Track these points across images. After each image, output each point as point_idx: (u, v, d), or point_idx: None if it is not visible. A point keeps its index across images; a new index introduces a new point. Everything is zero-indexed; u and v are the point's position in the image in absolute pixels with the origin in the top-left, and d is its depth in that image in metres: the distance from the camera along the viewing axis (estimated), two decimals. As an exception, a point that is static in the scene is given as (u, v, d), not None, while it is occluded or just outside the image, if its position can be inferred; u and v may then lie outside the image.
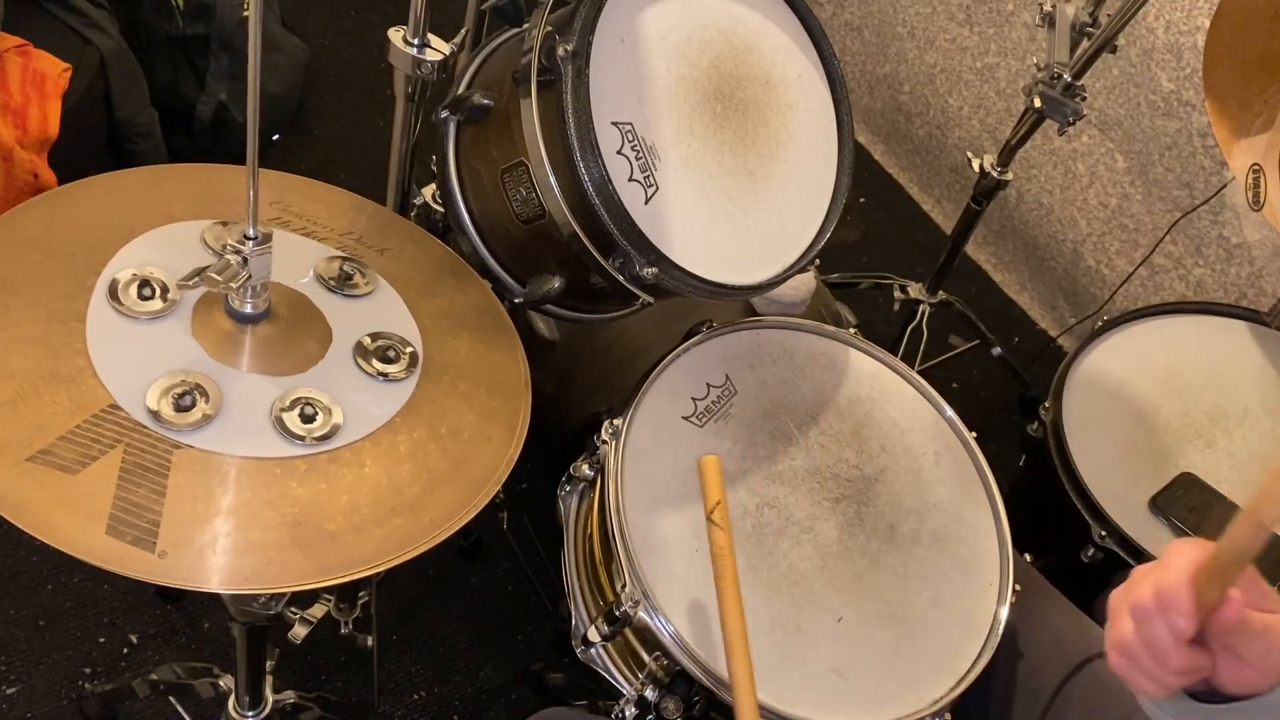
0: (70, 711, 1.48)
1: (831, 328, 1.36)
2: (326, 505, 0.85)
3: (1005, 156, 1.83)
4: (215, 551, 0.79)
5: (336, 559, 0.82)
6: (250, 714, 1.29)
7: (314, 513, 0.84)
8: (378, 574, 0.86)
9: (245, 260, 0.86)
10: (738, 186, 1.18)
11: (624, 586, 1.08)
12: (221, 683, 1.39)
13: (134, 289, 0.91)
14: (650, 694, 1.11)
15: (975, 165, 1.86)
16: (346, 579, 0.82)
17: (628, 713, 1.13)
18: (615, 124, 1.09)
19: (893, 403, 1.32)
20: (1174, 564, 0.72)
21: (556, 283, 1.18)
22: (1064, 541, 1.43)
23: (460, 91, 1.20)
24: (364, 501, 0.86)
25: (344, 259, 1.04)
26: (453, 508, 0.89)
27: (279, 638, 1.50)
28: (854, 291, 2.24)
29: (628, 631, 1.12)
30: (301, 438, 0.87)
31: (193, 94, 2.07)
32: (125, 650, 1.55)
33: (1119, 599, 0.76)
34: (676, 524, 1.13)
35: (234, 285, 0.87)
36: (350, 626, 1.54)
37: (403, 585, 1.71)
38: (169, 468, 0.81)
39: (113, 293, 0.90)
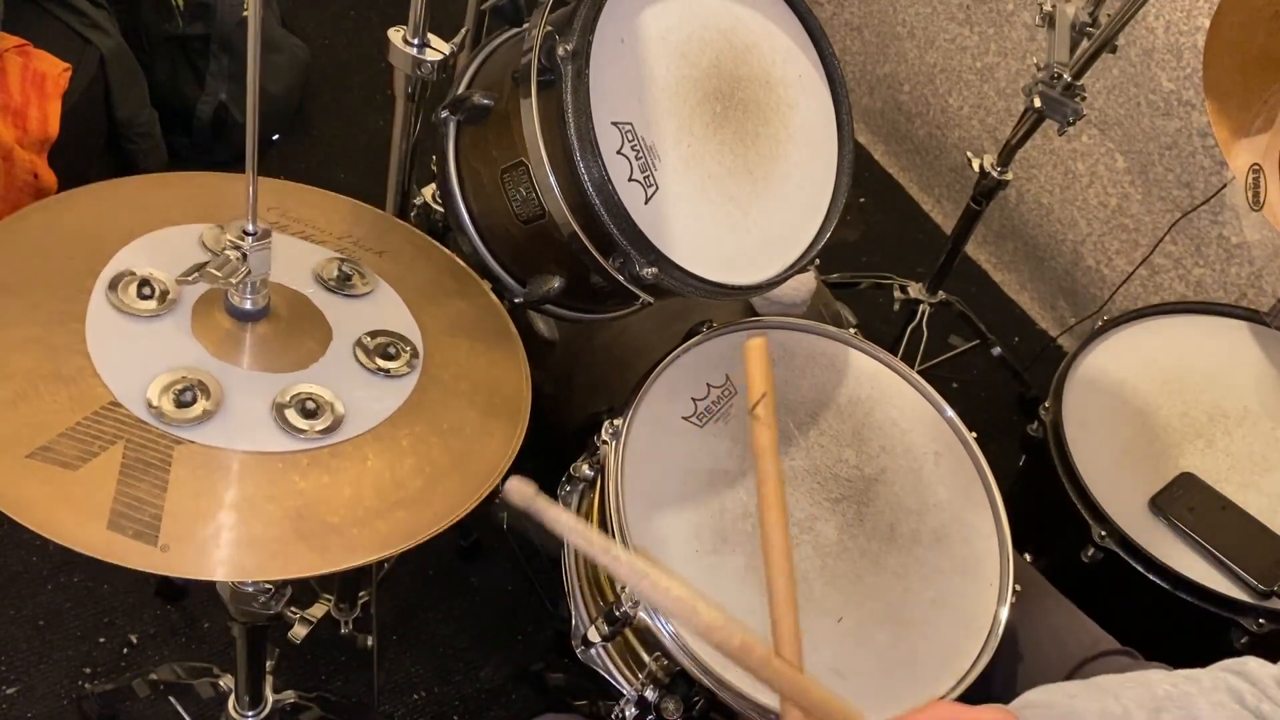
0: (70, 711, 1.48)
1: (831, 328, 1.36)
2: (329, 498, 0.85)
3: (1005, 156, 1.83)
4: (218, 545, 0.79)
5: (340, 550, 0.82)
6: (250, 714, 1.29)
7: (317, 506, 0.84)
8: (380, 569, 0.86)
9: (244, 255, 0.86)
10: (738, 186, 1.18)
11: (624, 587, 1.08)
12: (221, 683, 1.39)
13: (133, 289, 0.91)
14: (650, 694, 1.11)
15: (975, 165, 1.86)
16: (351, 566, 0.82)
17: (628, 713, 1.13)
18: (615, 124, 1.09)
19: (893, 403, 1.32)
20: None
21: (556, 283, 1.18)
22: (1064, 541, 1.43)
23: (460, 91, 1.20)
24: (367, 494, 0.86)
25: (343, 260, 1.05)
26: (455, 501, 0.89)
27: (279, 638, 1.50)
28: (854, 291, 2.24)
29: (628, 632, 1.12)
30: (303, 432, 0.87)
31: (193, 94, 2.07)
32: (125, 650, 1.55)
33: None
34: (676, 524, 1.13)
35: (233, 280, 0.87)
36: (350, 626, 1.54)
37: (403, 585, 1.71)
38: (170, 463, 0.81)
39: (112, 293, 0.90)
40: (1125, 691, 0.81)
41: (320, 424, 0.88)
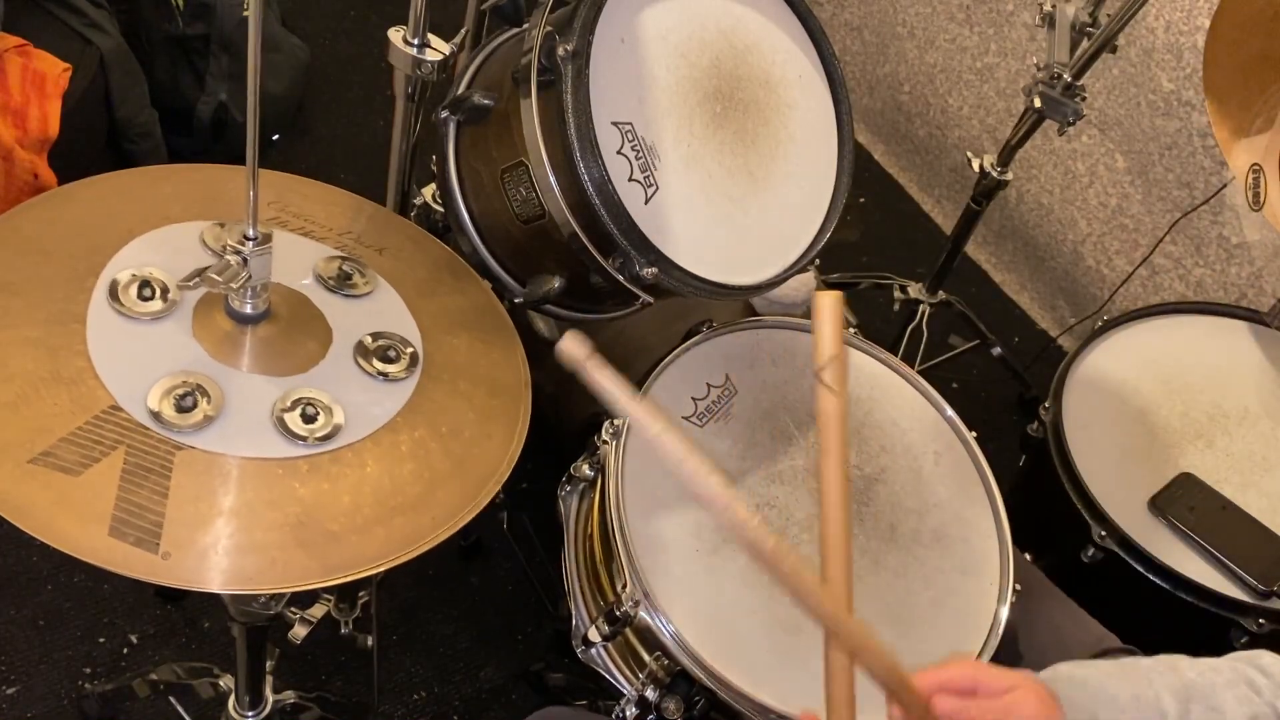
0: (70, 711, 1.48)
1: (831, 328, 1.36)
2: (329, 505, 0.85)
3: (1005, 156, 1.83)
4: (218, 552, 0.79)
5: (339, 559, 0.82)
6: (250, 714, 1.29)
7: (316, 513, 0.84)
8: (379, 574, 0.86)
9: (245, 260, 0.86)
10: (738, 186, 1.18)
11: (624, 586, 1.08)
12: (221, 683, 1.39)
13: (134, 290, 0.91)
14: (651, 694, 1.11)
15: (975, 165, 1.86)
16: (350, 578, 0.82)
17: (628, 713, 1.13)
18: (615, 124, 1.09)
19: (893, 403, 1.32)
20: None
21: (556, 283, 1.18)
22: (1064, 541, 1.43)
23: (460, 91, 1.20)
24: (366, 501, 0.86)
25: (343, 259, 1.04)
26: (454, 506, 0.89)
27: (279, 638, 1.50)
28: (854, 291, 2.24)
29: (628, 631, 1.12)
30: (303, 438, 0.87)
31: (193, 94, 2.07)
32: (125, 650, 1.55)
33: None
34: (677, 524, 1.13)
35: (234, 286, 0.87)
36: (350, 626, 1.54)
37: (403, 585, 1.71)
38: (171, 468, 0.81)
39: (113, 293, 0.90)
40: (1156, 677, 0.83)
41: (320, 429, 0.88)
